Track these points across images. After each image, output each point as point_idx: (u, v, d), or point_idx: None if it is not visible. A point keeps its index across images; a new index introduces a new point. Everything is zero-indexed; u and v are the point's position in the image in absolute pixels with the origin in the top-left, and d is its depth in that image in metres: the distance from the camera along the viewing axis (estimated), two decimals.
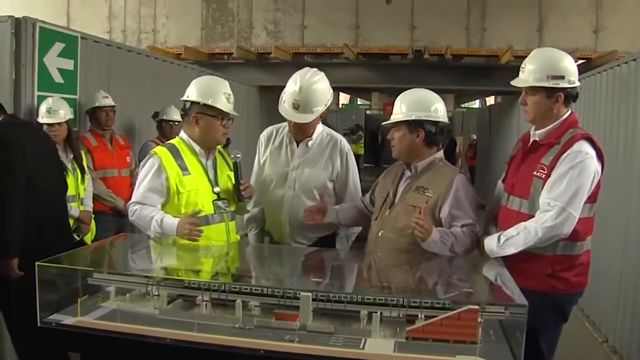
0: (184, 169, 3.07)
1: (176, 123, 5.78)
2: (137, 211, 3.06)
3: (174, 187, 3.03)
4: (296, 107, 3.26)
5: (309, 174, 3.45)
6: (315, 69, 3.36)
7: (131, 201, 3.14)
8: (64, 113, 4.58)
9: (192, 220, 2.97)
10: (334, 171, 3.48)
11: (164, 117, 5.86)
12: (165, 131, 5.85)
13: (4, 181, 3.39)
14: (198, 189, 3.09)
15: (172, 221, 2.97)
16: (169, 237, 2.98)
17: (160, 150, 3.13)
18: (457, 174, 3.05)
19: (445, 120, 3.06)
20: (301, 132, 3.42)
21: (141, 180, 3.11)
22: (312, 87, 3.27)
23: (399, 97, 3.09)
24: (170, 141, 3.25)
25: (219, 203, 3.17)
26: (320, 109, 3.33)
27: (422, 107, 3.00)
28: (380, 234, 3.10)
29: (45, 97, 4.60)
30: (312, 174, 3.45)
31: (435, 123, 3.01)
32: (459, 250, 2.88)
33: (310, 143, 3.47)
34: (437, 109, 3.02)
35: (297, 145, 3.48)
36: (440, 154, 3.13)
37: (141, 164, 3.20)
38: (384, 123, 3.21)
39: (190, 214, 3.00)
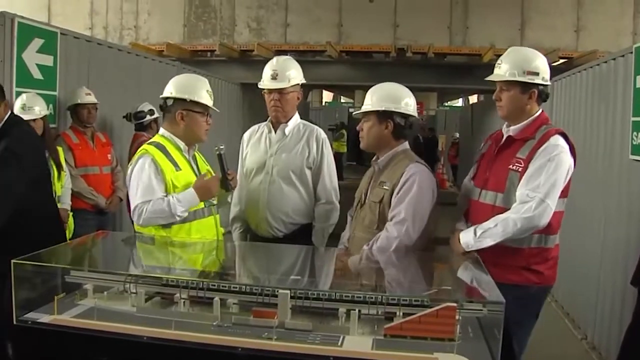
0: (175, 165, 3.08)
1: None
2: (147, 209, 2.96)
3: (170, 183, 3.02)
4: (274, 77, 3.52)
5: (286, 158, 3.55)
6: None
7: (136, 204, 3.00)
8: (39, 109, 4.54)
9: (209, 180, 3.12)
10: (310, 156, 3.58)
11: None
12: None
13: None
14: (190, 184, 3.08)
15: (188, 195, 3.02)
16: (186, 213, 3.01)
17: (150, 148, 3.08)
18: (412, 163, 2.99)
19: (415, 115, 3.08)
20: (281, 110, 3.55)
21: (139, 180, 3.01)
22: (287, 60, 3.64)
23: (370, 90, 3.11)
24: (153, 139, 3.22)
25: None
26: (296, 79, 3.56)
27: (392, 100, 3.02)
28: (354, 233, 3.14)
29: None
30: (289, 158, 3.55)
31: (405, 116, 3.03)
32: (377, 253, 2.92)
33: (287, 130, 3.60)
34: (408, 103, 3.04)
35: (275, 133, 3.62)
36: (404, 146, 3.11)
37: (131, 167, 3.10)
38: (354, 113, 3.25)
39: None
